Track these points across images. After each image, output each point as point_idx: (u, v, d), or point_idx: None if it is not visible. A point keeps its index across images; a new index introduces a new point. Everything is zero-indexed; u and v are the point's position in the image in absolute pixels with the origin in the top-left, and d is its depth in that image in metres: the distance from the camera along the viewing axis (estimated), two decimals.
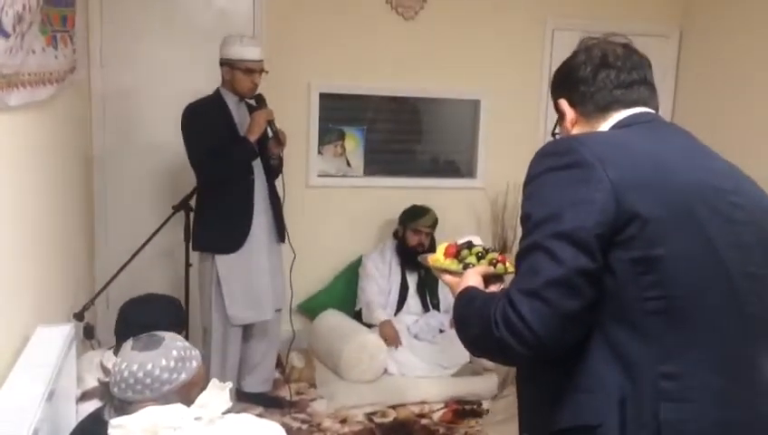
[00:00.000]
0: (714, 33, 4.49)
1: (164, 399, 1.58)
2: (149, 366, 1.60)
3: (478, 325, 1.23)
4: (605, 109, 1.37)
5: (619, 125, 1.35)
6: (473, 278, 1.41)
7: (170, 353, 1.62)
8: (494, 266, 1.49)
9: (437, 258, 1.56)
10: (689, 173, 1.25)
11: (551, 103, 5.28)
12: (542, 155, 1.29)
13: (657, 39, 4.70)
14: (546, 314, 1.14)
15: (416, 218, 4.03)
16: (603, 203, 1.16)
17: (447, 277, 1.50)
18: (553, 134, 1.52)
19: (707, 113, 4.47)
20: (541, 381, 1.27)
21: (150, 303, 2.31)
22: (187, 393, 1.60)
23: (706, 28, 4.56)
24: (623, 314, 1.17)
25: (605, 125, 1.37)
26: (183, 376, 1.61)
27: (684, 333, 1.18)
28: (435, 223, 4.07)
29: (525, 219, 1.24)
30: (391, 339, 3.82)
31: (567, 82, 1.42)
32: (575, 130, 1.42)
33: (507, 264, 1.51)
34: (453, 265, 1.52)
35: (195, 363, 1.65)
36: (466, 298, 1.35)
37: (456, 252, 1.55)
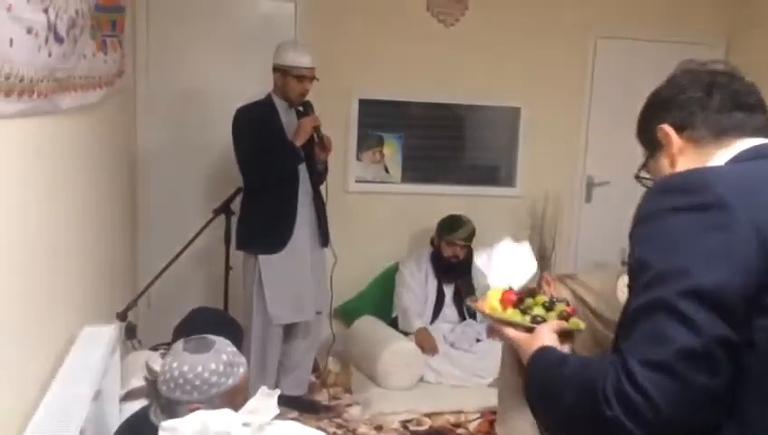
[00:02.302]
0: (761, 43, 4.39)
1: (210, 402, 1.59)
2: (200, 368, 1.61)
3: (575, 398, 1.03)
4: (720, 134, 1.14)
5: (744, 157, 1.11)
6: (548, 336, 1.21)
7: (220, 358, 1.63)
8: (567, 321, 1.28)
9: (494, 307, 1.36)
10: None
11: (593, 112, 5.17)
12: (663, 191, 1.07)
13: (703, 48, 4.60)
14: (676, 392, 0.94)
15: (451, 231, 4.01)
16: (746, 256, 0.95)
17: (512, 332, 1.29)
18: (638, 177, 1.28)
19: None
20: None
21: (220, 318, 2.33)
22: (232, 399, 1.61)
23: (754, 37, 4.46)
24: (761, 394, 0.97)
25: (721, 155, 1.13)
26: (230, 381, 1.63)
27: None
28: (471, 235, 4.04)
29: (642, 269, 1.02)
30: (428, 347, 3.80)
31: (673, 104, 1.19)
32: (682, 163, 1.17)
33: (577, 318, 1.31)
34: (517, 316, 1.31)
35: (242, 370, 1.66)
36: (548, 361, 1.15)
37: (518, 301, 1.35)
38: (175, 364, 1.63)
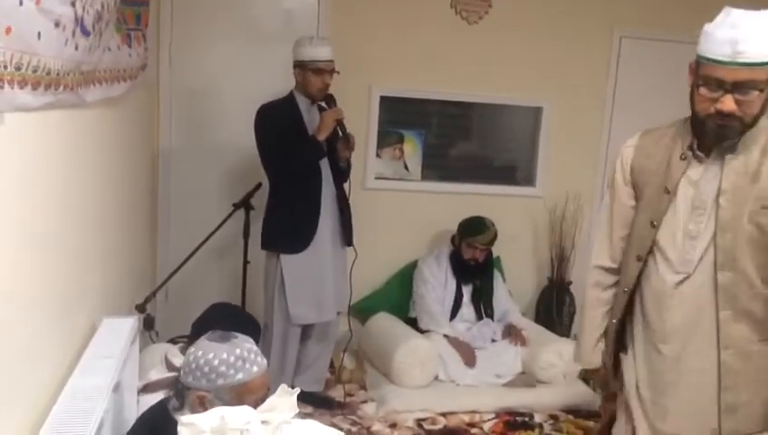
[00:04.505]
0: None
1: (216, 393, 1.60)
2: (211, 355, 1.63)
3: None
4: None
5: None
6: None
7: (234, 350, 1.64)
8: None
9: None
10: None
11: (615, 112, 5.11)
12: None
13: None
14: None
15: (474, 234, 3.98)
16: None
17: None
18: None
19: None
20: None
21: (239, 315, 2.34)
22: (240, 396, 1.60)
23: None
24: None
25: None
26: (239, 376, 1.62)
27: None
28: (493, 240, 4.01)
29: None
30: (469, 358, 3.76)
31: None
32: None
33: None
34: None
35: (255, 369, 1.65)
36: None
37: None
38: (192, 349, 1.67)
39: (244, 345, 1.66)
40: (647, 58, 4.50)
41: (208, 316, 2.16)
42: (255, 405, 1.56)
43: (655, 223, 1.87)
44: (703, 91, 1.70)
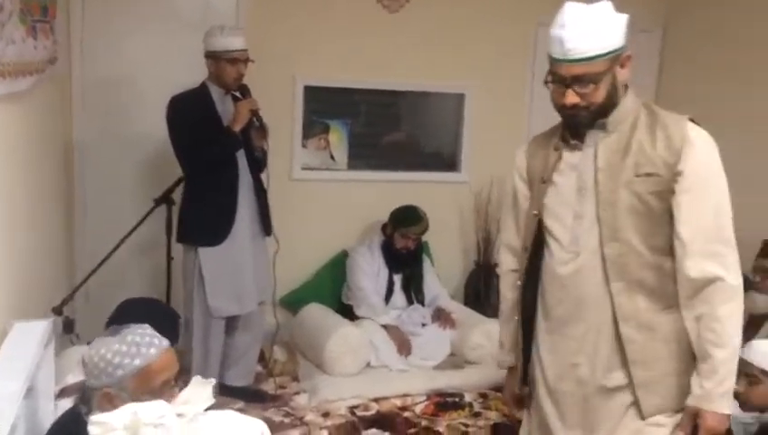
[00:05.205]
0: (698, 29, 4.52)
1: (119, 385, 1.57)
2: (103, 350, 1.60)
3: None
4: None
5: None
6: None
7: (126, 339, 1.61)
8: None
9: None
10: None
11: (535, 98, 5.23)
12: None
13: (640, 35, 4.71)
14: None
15: (408, 225, 4.01)
16: None
17: None
18: None
19: (689, 109, 4.48)
20: None
21: (152, 308, 2.28)
22: (144, 382, 1.58)
23: (691, 23, 4.59)
24: None
25: None
26: (137, 362, 1.59)
27: None
28: (426, 229, 4.06)
29: None
30: (403, 347, 3.80)
31: None
32: None
33: None
34: None
35: (153, 350, 1.62)
36: None
37: None
38: (89, 350, 1.64)
39: (136, 331, 1.63)
40: None
41: (121, 314, 2.11)
42: (165, 386, 1.54)
43: (535, 212, 1.96)
44: (552, 86, 1.82)
